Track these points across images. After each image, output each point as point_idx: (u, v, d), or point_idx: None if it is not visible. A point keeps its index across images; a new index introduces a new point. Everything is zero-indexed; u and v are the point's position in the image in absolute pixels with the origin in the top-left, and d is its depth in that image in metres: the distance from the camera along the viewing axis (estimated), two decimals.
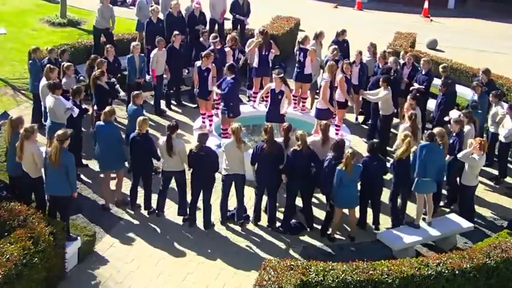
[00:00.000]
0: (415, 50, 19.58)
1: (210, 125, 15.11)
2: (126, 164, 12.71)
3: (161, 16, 18.61)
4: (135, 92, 13.62)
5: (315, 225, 12.36)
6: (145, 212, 12.46)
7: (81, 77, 15.68)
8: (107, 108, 12.47)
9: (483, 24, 26.72)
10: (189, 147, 12.08)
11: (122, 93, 15.26)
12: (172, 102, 17.15)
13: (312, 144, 12.24)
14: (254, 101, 16.17)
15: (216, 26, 19.50)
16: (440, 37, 23.42)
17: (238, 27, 19.92)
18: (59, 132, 10.76)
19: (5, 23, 21.83)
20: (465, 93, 16.84)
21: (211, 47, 16.08)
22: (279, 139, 12.36)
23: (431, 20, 27.29)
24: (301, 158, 11.77)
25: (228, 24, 20.28)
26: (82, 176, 13.26)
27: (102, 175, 12.77)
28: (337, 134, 14.81)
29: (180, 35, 16.84)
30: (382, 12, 27.89)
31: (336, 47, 16.46)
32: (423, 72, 15.93)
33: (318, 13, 26.43)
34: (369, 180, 11.97)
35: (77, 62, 16.82)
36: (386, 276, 9.68)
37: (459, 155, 12.25)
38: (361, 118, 17.03)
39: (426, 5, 27.58)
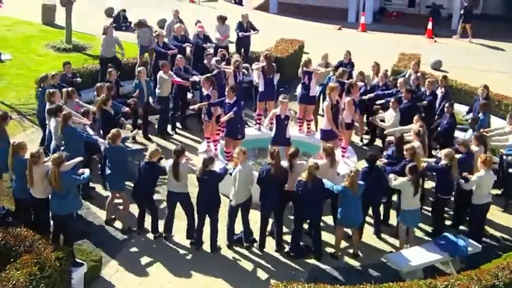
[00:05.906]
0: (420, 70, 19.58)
1: (216, 149, 15.10)
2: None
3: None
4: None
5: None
6: (151, 236, 12.43)
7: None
8: (112, 132, 12.49)
9: (487, 44, 26.75)
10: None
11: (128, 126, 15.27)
12: (178, 125, 17.17)
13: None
14: (258, 124, 16.20)
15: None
16: (444, 58, 23.45)
17: (242, 50, 20.01)
18: (55, 156, 10.86)
19: (11, 48, 22.00)
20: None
21: (215, 71, 16.16)
22: (285, 163, 12.30)
23: (435, 41, 27.35)
24: (308, 189, 11.65)
25: (232, 48, 20.36)
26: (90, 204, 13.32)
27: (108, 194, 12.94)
28: (343, 156, 14.76)
29: (183, 58, 17.05)
30: (386, 34, 27.95)
31: (345, 69, 16.50)
32: (427, 93, 15.90)
33: (322, 35, 26.53)
34: (369, 190, 11.94)
35: (82, 87, 16.90)
36: None
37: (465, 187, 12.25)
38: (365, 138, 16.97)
39: (430, 25, 27.66)
